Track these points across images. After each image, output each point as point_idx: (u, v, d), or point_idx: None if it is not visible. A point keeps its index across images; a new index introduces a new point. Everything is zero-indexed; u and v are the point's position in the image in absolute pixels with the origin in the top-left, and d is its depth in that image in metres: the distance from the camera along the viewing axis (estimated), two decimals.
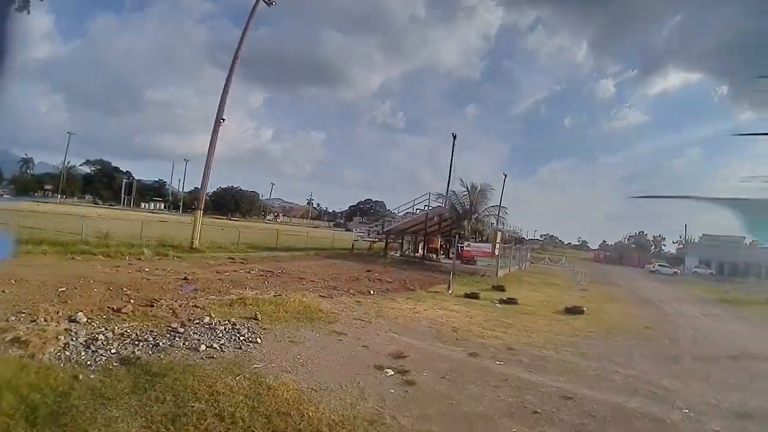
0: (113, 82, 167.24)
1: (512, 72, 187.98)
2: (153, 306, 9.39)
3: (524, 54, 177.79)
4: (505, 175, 52.53)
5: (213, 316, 8.94)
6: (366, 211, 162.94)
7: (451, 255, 32.69)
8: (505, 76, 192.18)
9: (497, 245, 32.23)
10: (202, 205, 25.38)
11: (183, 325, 7.99)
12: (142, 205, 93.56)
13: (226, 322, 8.53)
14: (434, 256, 32.43)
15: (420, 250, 35.02)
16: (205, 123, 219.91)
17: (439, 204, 33.69)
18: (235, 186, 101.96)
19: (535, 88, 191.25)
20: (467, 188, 34.37)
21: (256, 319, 9.02)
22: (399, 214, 36.55)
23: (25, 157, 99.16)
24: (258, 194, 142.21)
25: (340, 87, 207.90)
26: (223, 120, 23.08)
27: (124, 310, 8.52)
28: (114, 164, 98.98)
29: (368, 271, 21.73)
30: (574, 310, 14.90)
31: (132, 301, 9.60)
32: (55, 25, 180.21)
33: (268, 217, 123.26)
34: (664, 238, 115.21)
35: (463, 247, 29.96)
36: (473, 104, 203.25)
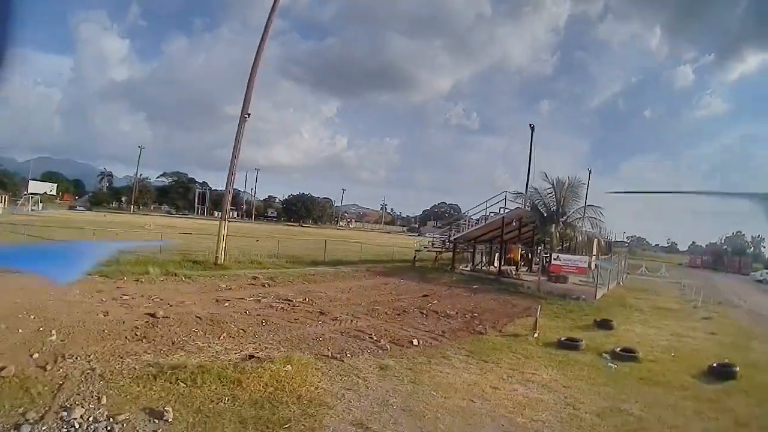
0: (192, 100, 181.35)
1: (585, 64, 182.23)
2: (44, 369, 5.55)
3: (596, 45, 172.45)
4: (590, 171, 45.18)
5: (102, 399, 5.27)
6: (440, 215, 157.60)
7: (534, 268, 26.93)
8: (578, 69, 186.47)
9: (593, 257, 26.06)
10: (227, 213, 21.99)
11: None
12: (215, 213, 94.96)
13: (108, 419, 4.73)
14: (513, 270, 26.43)
15: (496, 263, 29.19)
16: (282, 135, 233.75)
17: (518, 205, 27.52)
18: (305, 193, 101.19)
19: (610, 80, 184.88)
20: (552, 184, 27.09)
21: (162, 417, 4.81)
22: (470, 219, 30.97)
23: (103, 171, 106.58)
24: (331, 200, 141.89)
25: (410, 91, 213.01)
26: (249, 115, 19.43)
27: None
28: (196, 176, 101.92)
29: (425, 295, 16.91)
30: (723, 372, 9.26)
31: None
32: (131, 48, 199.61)
33: (341, 223, 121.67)
34: (763, 239, 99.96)
35: (550, 259, 24.11)
36: (547, 100, 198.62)
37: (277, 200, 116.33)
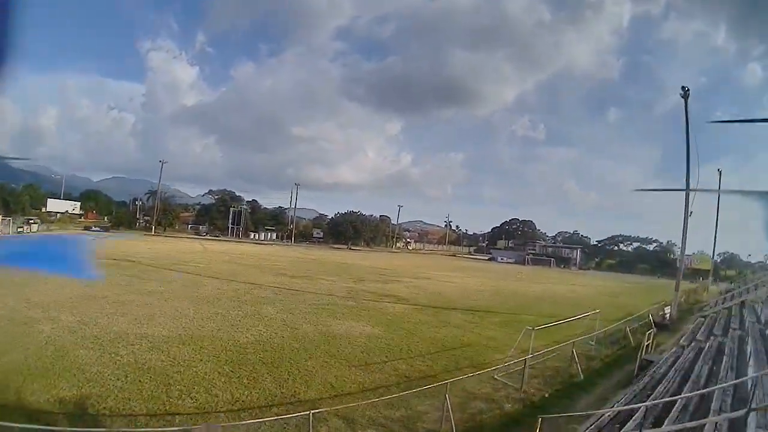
0: (259, 122, 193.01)
1: (651, 67, 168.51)
2: None
3: (661, 45, 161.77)
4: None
5: None
6: (512, 233, 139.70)
7: None
8: (644, 72, 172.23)
9: None
10: None
11: None
12: (254, 235, 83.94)
13: None
14: None
15: None
16: (347, 154, 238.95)
17: None
18: (354, 211, 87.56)
19: (678, 82, 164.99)
20: None
21: None
22: None
23: (151, 189, 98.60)
24: (388, 218, 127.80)
25: (474, 105, 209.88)
26: None
27: None
28: (264, 196, 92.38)
29: None
30: None
31: None
32: (200, 75, 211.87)
33: (398, 245, 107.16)
34: None
35: None
36: (615, 107, 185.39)
37: (328, 219, 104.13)
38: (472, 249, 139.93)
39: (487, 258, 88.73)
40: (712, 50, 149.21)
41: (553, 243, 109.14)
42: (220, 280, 20.57)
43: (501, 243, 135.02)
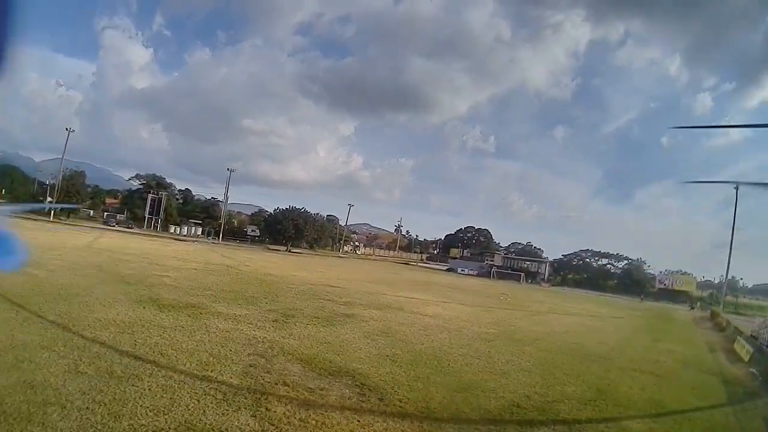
0: (210, 112, 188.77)
1: (603, 90, 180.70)
2: None
3: (614, 70, 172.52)
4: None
5: None
6: (467, 242, 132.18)
7: None
8: (595, 94, 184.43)
9: None
10: None
11: None
12: (173, 228, 70.75)
13: None
14: None
15: None
16: (298, 151, 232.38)
17: None
18: (297, 207, 75.50)
19: (627, 106, 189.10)
20: None
21: None
22: None
23: (76, 170, 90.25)
24: (336, 219, 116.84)
25: (428, 113, 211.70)
26: None
27: None
28: (209, 189, 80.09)
29: None
30: None
31: None
32: (153, 58, 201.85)
33: (346, 248, 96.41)
34: None
35: None
36: (563, 125, 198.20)
37: (267, 214, 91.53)
38: (424, 256, 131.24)
39: (445, 268, 79.51)
40: (665, 78, 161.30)
41: (515, 255, 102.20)
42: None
43: (454, 251, 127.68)
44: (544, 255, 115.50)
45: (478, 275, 72.26)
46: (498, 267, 75.43)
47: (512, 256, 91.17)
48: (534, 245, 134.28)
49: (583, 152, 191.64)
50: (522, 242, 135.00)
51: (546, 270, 76.33)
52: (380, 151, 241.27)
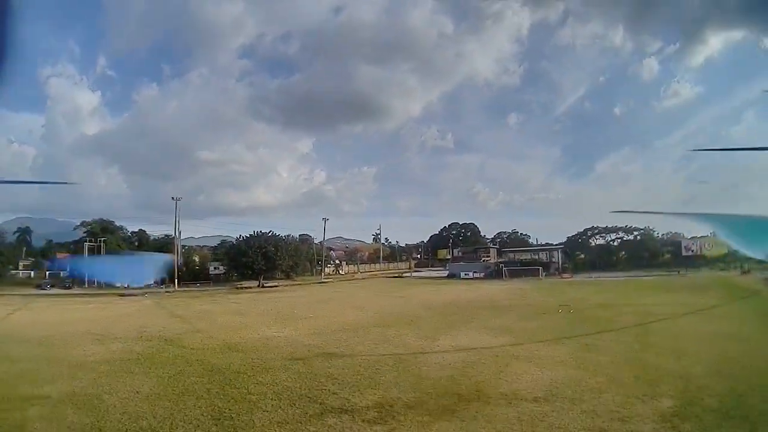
0: (165, 148, 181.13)
1: (551, 71, 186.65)
2: None
3: (559, 50, 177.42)
4: None
5: None
6: (455, 241, 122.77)
7: None
8: (544, 76, 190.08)
9: None
10: None
11: None
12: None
13: None
14: None
15: None
16: (260, 176, 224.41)
17: None
18: (264, 231, 63.88)
19: (577, 83, 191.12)
20: None
21: None
22: None
23: (21, 227, 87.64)
24: (310, 237, 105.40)
25: (383, 119, 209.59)
26: None
27: None
28: (180, 226, 68.91)
29: None
30: None
31: None
32: (101, 101, 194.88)
33: (327, 270, 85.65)
34: None
35: None
36: (516, 112, 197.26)
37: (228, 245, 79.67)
38: (412, 263, 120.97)
39: (446, 274, 69.54)
40: (610, 50, 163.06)
41: (513, 246, 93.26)
42: None
43: (443, 252, 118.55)
44: (542, 241, 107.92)
45: (486, 277, 62.62)
46: (506, 264, 65.90)
47: (514, 248, 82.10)
48: (519, 231, 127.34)
49: (539, 134, 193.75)
50: (507, 230, 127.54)
51: (559, 258, 67.29)
52: (341, 163, 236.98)
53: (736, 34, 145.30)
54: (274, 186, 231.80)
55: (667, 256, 70.16)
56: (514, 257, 70.92)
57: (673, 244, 72.43)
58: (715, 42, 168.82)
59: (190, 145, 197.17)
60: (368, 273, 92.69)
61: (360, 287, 55.37)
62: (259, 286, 58.87)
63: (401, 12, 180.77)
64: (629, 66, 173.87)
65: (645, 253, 70.06)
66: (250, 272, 59.79)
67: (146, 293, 50.65)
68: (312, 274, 78.47)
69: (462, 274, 65.58)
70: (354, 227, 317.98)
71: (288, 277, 69.16)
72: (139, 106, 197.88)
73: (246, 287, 57.92)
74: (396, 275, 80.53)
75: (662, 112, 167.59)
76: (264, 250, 59.13)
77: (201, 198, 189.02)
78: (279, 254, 60.93)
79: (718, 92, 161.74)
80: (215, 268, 69.46)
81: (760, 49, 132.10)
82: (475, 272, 65.84)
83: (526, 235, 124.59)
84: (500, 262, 68.99)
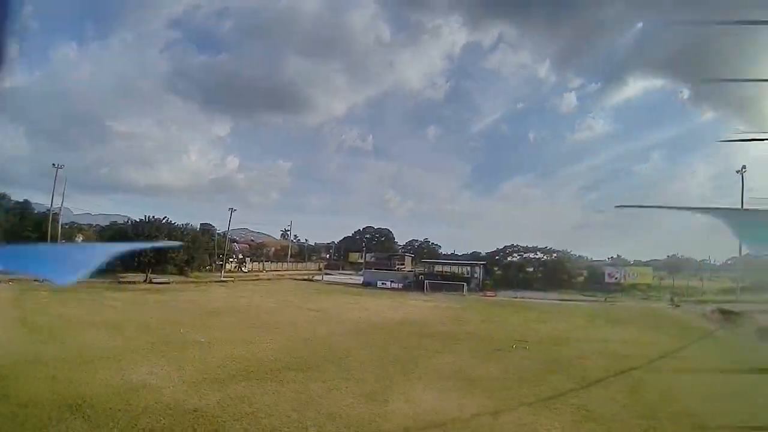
0: (74, 114, 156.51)
1: (474, 91, 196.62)
2: None
3: (486, 73, 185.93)
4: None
5: None
6: (368, 245, 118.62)
7: None
8: (466, 95, 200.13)
9: None
10: None
11: None
12: None
13: None
14: None
15: None
16: (168, 154, 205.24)
17: None
18: (157, 217, 54.97)
19: (497, 106, 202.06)
20: None
21: None
22: None
23: None
24: (213, 228, 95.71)
25: (306, 113, 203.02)
26: None
27: None
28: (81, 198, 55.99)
29: None
30: None
31: None
32: (19, 52, 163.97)
33: (229, 266, 77.27)
34: None
35: None
36: (435, 125, 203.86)
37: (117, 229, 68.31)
38: (321, 264, 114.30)
39: (361, 282, 64.52)
40: (533, 80, 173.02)
41: (430, 256, 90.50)
42: None
43: (354, 256, 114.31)
44: (447, 251, 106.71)
45: (404, 288, 58.55)
46: (426, 275, 62.24)
47: (434, 260, 79.04)
48: (431, 241, 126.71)
49: (453, 149, 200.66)
50: (418, 238, 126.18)
51: (481, 274, 64.81)
52: (257, 152, 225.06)
53: (657, 82, 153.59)
54: (181, 167, 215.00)
55: (581, 279, 70.41)
56: (433, 269, 67.42)
57: (589, 268, 73.30)
58: (635, 86, 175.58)
59: (100, 113, 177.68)
60: (274, 272, 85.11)
61: (266, 291, 48.66)
62: (146, 281, 49.99)
63: (343, 10, 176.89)
64: (549, 98, 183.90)
65: (563, 275, 69.79)
66: (137, 263, 50.74)
67: (11, 281, 40.18)
68: (211, 270, 69.87)
69: (379, 283, 60.99)
70: (262, 220, 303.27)
71: (182, 272, 60.39)
72: (53, 64, 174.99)
73: (131, 281, 48.84)
74: (306, 277, 74.24)
75: (572, 143, 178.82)
76: (155, 238, 50.45)
77: (104, 171, 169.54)
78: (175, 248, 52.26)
79: (629, 132, 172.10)
80: None
81: (676, 98, 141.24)
82: (392, 282, 61.55)
83: (436, 244, 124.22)
84: (420, 273, 65.30)
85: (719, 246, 62.00)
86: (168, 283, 51.47)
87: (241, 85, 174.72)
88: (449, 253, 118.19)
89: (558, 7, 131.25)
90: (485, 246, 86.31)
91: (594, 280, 66.06)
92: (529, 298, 50.74)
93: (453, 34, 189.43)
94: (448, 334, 25.23)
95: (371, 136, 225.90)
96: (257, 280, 68.00)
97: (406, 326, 27.41)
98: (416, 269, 72.99)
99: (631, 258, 79.57)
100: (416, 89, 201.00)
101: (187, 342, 19.49)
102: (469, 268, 66.44)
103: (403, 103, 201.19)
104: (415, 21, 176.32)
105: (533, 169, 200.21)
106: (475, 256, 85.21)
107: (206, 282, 56.28)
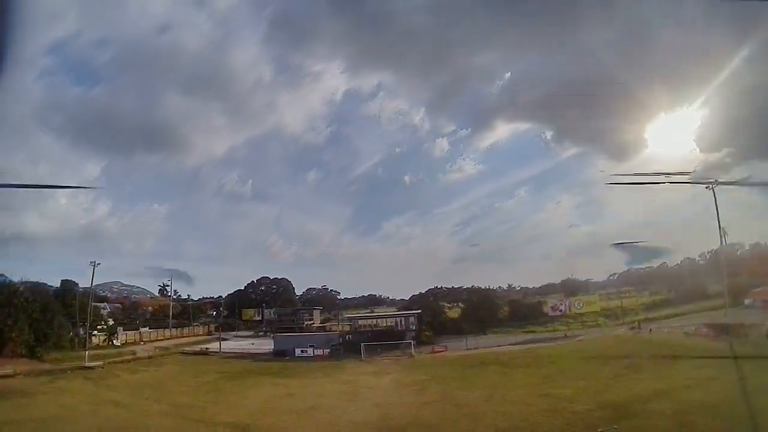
0: None
1: (353, 137, 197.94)
2: None
3: (365, 119, 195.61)
4: None
5: None
6: (264, 299, 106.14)
7: None
8: (346, 140, 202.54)
9: None
10: None
11: None
12: None
13: None
14: None
15: None
16: (37, 197, 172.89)
17: None
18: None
19: (375, 151, 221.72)
20: None
21: None
22: None
23: None
24: (75, 285, 75.68)
25: (183, 154, 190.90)
26: None
27: None
28: None
29: None
30: None
31: None
32: None
33: (96, 340, 61.49)
34: None
35: None
36: (316, 169, 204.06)
37: None
38: (211, 326, 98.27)
39: (272, 351, 53.48)
40: (409, 126, 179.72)
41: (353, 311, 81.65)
42: None
43: (249, 312, 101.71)
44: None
45: (332, 355, 49.07)
46: (354, 334, 53.34)
47: (360, 315, 70.50)
48: (329, 288, 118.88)
49: (334, 193, 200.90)
50: (316, 286, 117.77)
51: (413, 325, 57.34)
52: (130, 195, 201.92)
53: (522, 125, 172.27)
54: (49, 212, 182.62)
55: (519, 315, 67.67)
56: (360, 325, 58.64)
57: (511, 303, 71.60)
58: (502, 130, 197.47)
59: None
60: (156, 344, 69.66)
61: (150, 386, 36.46)
62: None
63: (226, 49, 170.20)
64: (424, 142, 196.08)
65: (496, 313, 65.78)
66: None
67: None
68: (73, 348, 54.09)
69: (297, 351, 50.74)
70: (136, 272, 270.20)
71: (32, 354, 45.06)
72: None
73: None
74: (198, 349, 61.26)
75: (445, 184, 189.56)
76: None
77: None
78: (15, 319, 38.05)
79: (498, 171, 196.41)
80: None
81: (540, 139, 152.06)
82: (313, 347, 51.50)
83: (336, 291, 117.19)
84: (346, 333, 56.15)
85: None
86: (7, 375, 37.08)
87: (116, 122, 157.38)
88: (343, 298, 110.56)
89: (431, 56, 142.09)
90: (382, 289, 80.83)
91: (532, 314, 63.68)
92: (491, 347, 44.58)
93: (334, 79, 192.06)
94: None
95: (251, 180, 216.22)
96: (135, 360, 53.73)
97: None
98: (341, 326, 63.93)
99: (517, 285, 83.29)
100: (296, 132, 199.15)
101: None
102: (401, 319, 58.67)
103: (283, 147, 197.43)
104: (297, 64, 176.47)
105: (411, 208, 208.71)
106: (401, 303, 78.94)
107: (65, 370, 42.00)
